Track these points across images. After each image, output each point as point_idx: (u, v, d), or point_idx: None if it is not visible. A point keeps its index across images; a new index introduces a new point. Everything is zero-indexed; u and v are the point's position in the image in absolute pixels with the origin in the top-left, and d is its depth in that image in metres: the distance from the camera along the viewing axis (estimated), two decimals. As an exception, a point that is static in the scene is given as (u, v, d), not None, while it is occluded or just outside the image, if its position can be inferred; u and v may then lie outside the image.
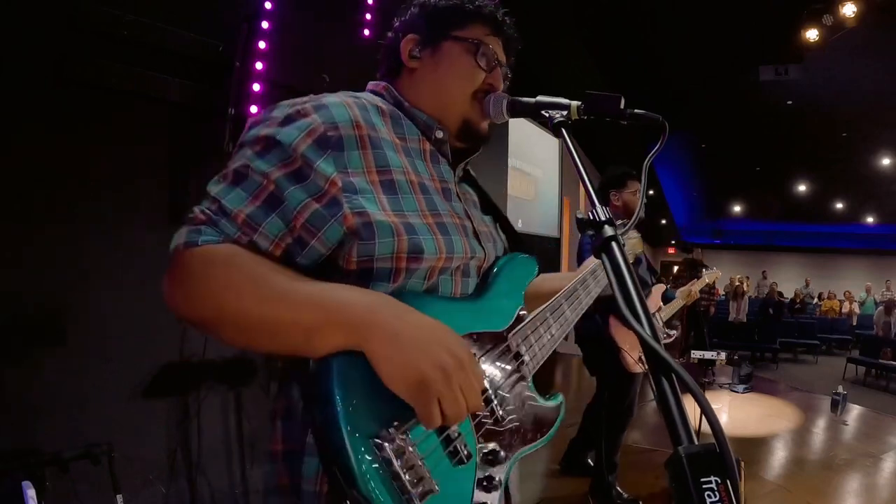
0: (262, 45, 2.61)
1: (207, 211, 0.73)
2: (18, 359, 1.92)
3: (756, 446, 4.57)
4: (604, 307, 2.99)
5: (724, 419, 5.48)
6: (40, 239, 1.97)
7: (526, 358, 0.89)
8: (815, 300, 15.29)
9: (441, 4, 0.92)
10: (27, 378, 1.94)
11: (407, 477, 0.67)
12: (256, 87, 2.58)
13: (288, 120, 0.76)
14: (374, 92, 0.94)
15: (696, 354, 4.25)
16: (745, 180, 15.41)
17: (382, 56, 0.97)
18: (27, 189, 1.94)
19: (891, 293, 13.02)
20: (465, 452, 0.75)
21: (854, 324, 13.00)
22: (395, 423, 0.68)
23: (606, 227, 0.72)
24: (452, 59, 0.91)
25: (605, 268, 0.69)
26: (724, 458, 0.51)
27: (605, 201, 3.25)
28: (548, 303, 0.98)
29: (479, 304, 0.88)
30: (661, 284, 3.17)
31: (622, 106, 0.84)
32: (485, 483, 0.79)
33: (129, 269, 2.20)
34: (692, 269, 8.94)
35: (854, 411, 6.00)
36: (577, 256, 3.33)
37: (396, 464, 0.66)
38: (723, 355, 4.20)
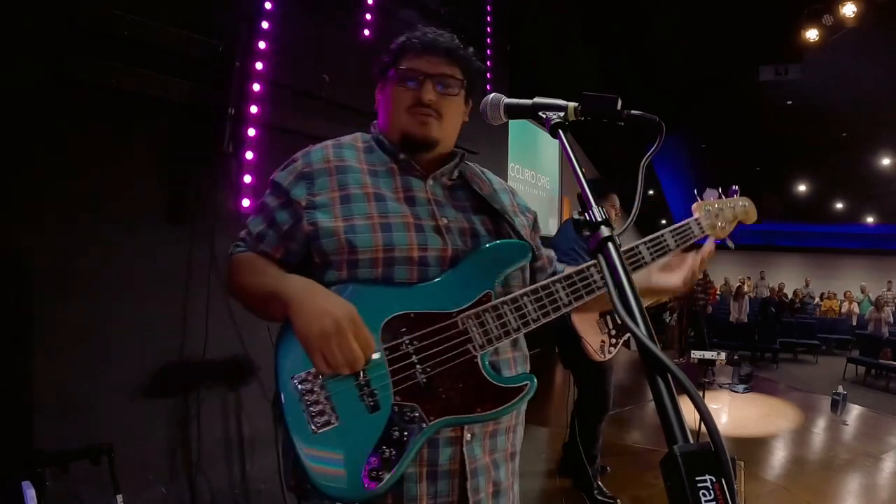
0: (261, 44, 2.60)
1: (243, 232, 1.15)
2: (18, 359, 1.92)
3: (756, 446, 4.57)
4: None
5: (723, 419, 5.48)
6: (40, 238, 1.97)
7: (475, 335, 1.00)
8: (816, 300, 15.27)
9: (385, 56, 1.16)
10: (27, 378, 1.94)
11: (310, 408, 0.94)
12: (256, 86, 2.57)
13: (285, 166, 1.13)
14: (368, 130, 1.21)
15: (696, 354, 4.25)
16: (745, 180, 15.28)
17: None
18: (27, 189, 1.94)
19: (892, 293, 12.99)
20: (371, 402, 0.96)
21: (854, 324, 12.98)
22: (312, 370, 0.95)
23: (603, 227, 0.73)
24: (387, 90, 1.15)
25: (601, 268, 0.70)
26: (720, 456, 0.52)
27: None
28: (530, 286, 1.06)
29: (430, 288, 1.02)
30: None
31: (619, 107, 0.85)
32: (394, 433, 0.94)
33: (129, 269, 2.20)
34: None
35: (854, 411, 6.00)
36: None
37: (304, 397, 0.95)
38: (723, 355, 4.21)
